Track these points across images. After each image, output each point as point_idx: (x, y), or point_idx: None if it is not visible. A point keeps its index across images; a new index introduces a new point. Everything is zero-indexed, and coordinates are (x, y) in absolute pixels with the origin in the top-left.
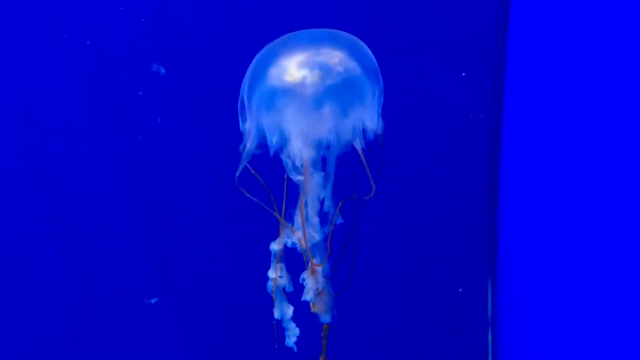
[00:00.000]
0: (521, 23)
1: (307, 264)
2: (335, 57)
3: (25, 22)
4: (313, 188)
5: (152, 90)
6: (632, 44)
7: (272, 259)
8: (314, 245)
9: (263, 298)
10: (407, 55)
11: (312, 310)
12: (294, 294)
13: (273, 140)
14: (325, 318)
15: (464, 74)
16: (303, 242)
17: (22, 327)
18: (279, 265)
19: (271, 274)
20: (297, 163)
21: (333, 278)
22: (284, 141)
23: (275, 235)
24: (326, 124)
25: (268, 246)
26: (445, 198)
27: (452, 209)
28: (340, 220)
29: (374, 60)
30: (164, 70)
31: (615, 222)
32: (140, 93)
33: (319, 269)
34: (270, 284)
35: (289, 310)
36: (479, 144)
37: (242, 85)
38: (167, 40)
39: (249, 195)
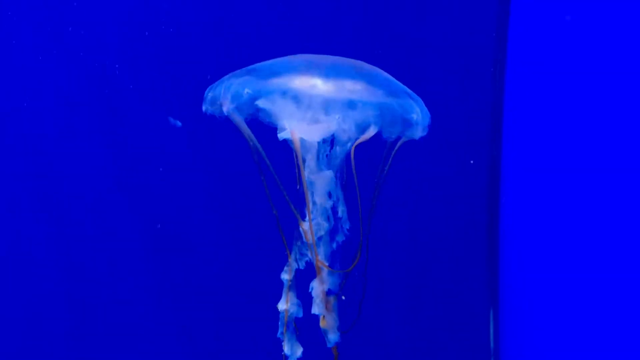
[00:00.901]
0: (520, 24)
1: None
2: (351, 85)
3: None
4: (319, 179)
5: (152, 93)
6: (630, 43)
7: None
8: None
9: (268, 298)
10: (406, 57)
11: (320, 326)
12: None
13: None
14: (332, 337)
15: (472, 161)
16: (310, 236)
17: (22, 329)
18: (290, 294)
19: (281, 305)
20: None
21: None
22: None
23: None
24: (320, 134)
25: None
26: (445, 230)
27: (452, 240)
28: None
29: (402, 91)
30: (180, 124)
31: (623, 256)
32: (140, 94)
33: (325, 270)
34: (281, 315)
35: (299, 351)
36: (480, 153)
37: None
38: (164, 41)
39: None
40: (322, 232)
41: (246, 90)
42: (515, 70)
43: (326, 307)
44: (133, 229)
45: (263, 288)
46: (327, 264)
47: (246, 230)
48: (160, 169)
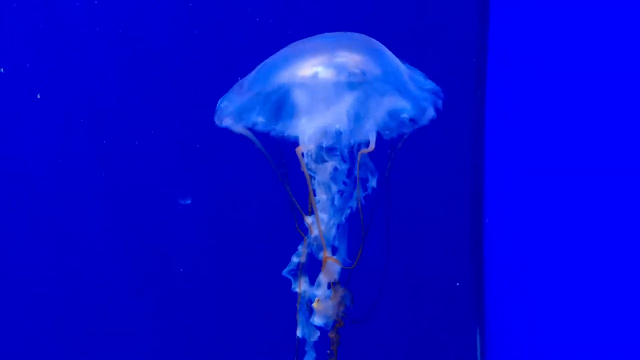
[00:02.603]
0: (501, 25)
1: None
2: (352, 60)
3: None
4: (323, 175)
5: (145, 100)
6: (612, 43)
7: (291, 270)
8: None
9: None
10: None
11: (313, 306)
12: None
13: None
14: (319, 321)
15: (457, 284)
16: (316, 230)
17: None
18: (303, 278)
19: (296, 287)
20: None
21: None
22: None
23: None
24: (331, 123)
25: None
26: (431, 247)
27: (438, 258)
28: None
29: (395, 62)
30: (189, 201)
31: (613, 274)
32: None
33: (334, 264)
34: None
35: (315, 334)
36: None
37: (245, 77)
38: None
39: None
40: (324, 227)
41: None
42: (497, 70)
43: (333, 297)
44: (131, 230)
45: (264, 289)
46: (334, 257)
47: (247, 231)
48: (155, 168)
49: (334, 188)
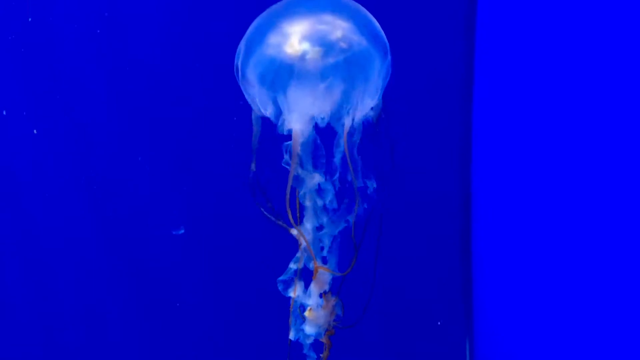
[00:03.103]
0: (488, 26)
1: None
2: (339, 30)
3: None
4: (309, 177)
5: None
6: (597, 42)
7: (291, 276)
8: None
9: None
10: None
11: (305, 314)
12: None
13: (267, 110)
14: (311, 330)
15: (439, 322)
16: (304, 240)
17: None
18: (299, 283)
19: (292, 293)
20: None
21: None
22: (278, 112)
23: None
24: (324, 101)
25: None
26: (420, 261)
27: (427, 271)
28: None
29: (380, 30)
30: (182, 230)
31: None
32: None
33: (324, 273)
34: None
35: (310, 337)
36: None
37: (237, 51)
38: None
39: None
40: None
41: (268, 111)
42: (484, 71)
43: (325, 306)
44: (126, 227)
45: (259, 295)
46: (325, 267)
47: (240, 238)
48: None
49: (319, 202)
